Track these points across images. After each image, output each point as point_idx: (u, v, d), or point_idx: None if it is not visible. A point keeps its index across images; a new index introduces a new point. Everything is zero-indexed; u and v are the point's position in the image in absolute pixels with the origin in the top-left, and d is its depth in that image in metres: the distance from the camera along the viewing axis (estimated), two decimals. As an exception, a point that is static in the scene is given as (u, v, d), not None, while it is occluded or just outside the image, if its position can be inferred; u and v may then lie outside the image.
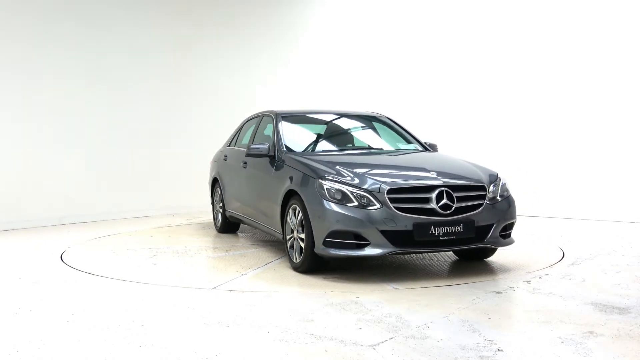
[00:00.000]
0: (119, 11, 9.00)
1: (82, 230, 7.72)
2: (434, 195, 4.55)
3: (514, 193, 5.27)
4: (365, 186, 4.62)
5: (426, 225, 4.48)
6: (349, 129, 6.53)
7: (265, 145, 5.66)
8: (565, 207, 8.68)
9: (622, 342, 3.18)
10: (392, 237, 4.48)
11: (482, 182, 4.87)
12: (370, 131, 6.45)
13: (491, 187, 4.90)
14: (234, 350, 3.11)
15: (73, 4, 8.53)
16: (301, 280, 4.73)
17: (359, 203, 4.55)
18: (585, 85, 8.59)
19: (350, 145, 6.19)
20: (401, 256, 5.53)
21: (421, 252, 5.22)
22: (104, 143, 8.84)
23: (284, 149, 5.62)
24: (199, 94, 9.95)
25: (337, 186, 4.65)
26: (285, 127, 5.97)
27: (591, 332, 3.33)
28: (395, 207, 4.51)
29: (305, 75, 10.75)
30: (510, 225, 5.02)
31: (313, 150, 5.81)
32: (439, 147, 6.12)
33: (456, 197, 4.62)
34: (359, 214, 4.50)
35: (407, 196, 4.58)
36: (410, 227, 4.47)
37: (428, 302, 4.03)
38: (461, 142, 9.70)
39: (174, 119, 9.68)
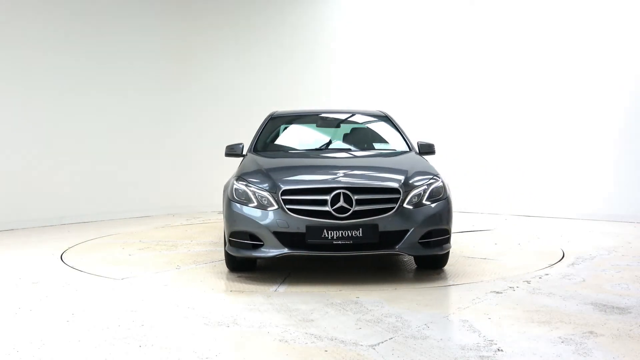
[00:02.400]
0: (120, 12, 9.01)
1: (82, 230, 7.72)
2: (329, 197, 4.40)
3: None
4: (267, 187, 4.61)
5: (319, 228, 4.35)
6: (335, 130, 6.47)
7: (239, 145, 5.78)
8: (565, 207, 8.68)
9: (622, 342, 3.18)
10: (285, 238, 4.44)
11: (395, 186, 4.55)
12: (356, 131, 6.37)
13: (416, 191, 4.57)
14: (234, 350, 3.11)
15: (75, 4, 8.53)
16: (207, 279, 4.80)
17: (259, 204, 4.56)
18: (585, 86, 8.59)
19: (323, 146, 6.02)
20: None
21: (318, 256, 4.73)
22: (104, 143, 8.84)
23: (252, 149, 5.75)
24: (200, 94, 9.95)
25: (243, 187, 4.70)
26: (272, 128, 6.12)
27: (591, 332, 3.33)
28: (289, 209, 4.45)
29: (310, 76, 10.75)
30: (440, 232, 4.63)
31: (280, 150, 5.89)
32: (436, 148, 5.94)
33: (357, 200, 4.39)
34: (255, 215, 4.53)
35: (301, 197, 4.48)
36: (303, 230, 4.38)
37: (428, 302, 4.03)
38: (463, 141, 9.70)
39: (174, 120, 9.70)
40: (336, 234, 4.35)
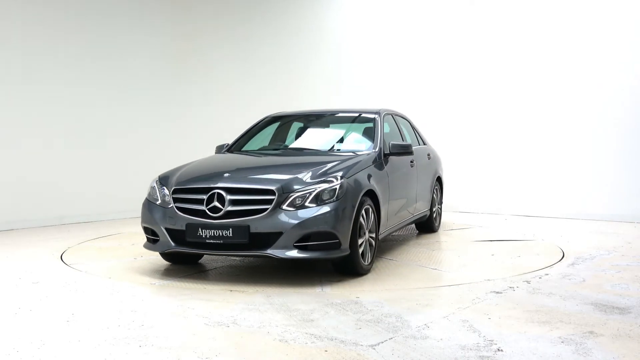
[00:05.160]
0: (121, 12, 9.00)
1: (82, 230, 7.72)
2: (206, 197, 4.53)
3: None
4: (168, 186, 4.86)
5: (195, 227, 4.51)
6: (322, 130, 6.46)
7: (223, 145, 6.06)
8: (565, 207, 8.68)
9: (622, 342, 3.18)
10: (172, 235, 4.69)
11: (271, 187, 4.46)
12: (337, 132, 6.31)
13: (300, 192, 4.44)
14: (234, 350, 3.11)
15: (76, 4, 8.53)
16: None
17: (162, 202, 4.82)
18: (586, 87, 8.59)
19: (283, 147, 5.99)
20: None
21: (197, 253, 4.90)
22: (105, 143, 8.85)
23: (228, 148, 6.02)
24: (200, 94, 9.96)
25: (156, 186, 4.99)
26: (259, 128, 6.33)
27: (591, 332, 3.33)
28: (177, 207, 4.68)
29: (313, 78, 10.75)
30: (323, 235, 4.42)
31: (242, 150, 5.99)
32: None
33: (230, 200, 4.44)
34: (155, 212, 4.82)
35: (186, 196, 4.69)
36: (184, 227, 4.58)
37: (428, 302, 4.03)
38: (464, 141, 9.70)
39: (175, 119, 9.71)
40: (209, 233, 4.47)
